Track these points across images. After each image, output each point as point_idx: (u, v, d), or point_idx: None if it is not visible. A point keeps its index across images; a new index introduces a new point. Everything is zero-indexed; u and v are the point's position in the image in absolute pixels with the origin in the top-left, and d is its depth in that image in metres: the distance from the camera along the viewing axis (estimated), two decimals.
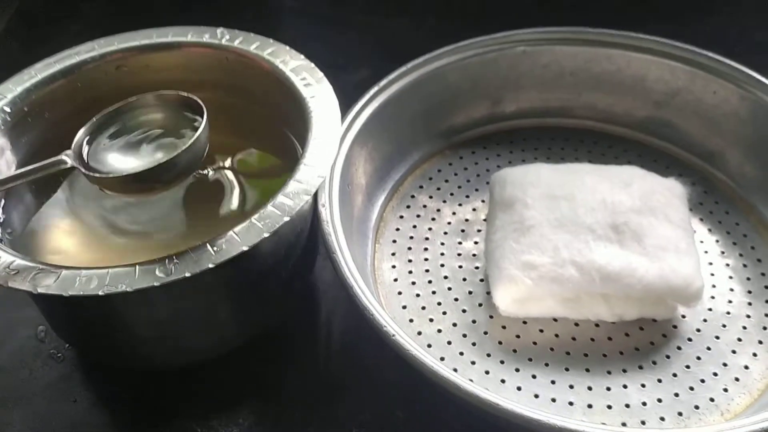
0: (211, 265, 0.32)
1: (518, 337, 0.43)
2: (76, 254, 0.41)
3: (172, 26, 0.46)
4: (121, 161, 0.38)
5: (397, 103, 0.50)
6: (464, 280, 0.46)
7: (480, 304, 0.45)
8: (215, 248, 0.33)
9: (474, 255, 0.48)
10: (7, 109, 0.41)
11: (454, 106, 0.54)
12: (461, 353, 0.42)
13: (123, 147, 0.38)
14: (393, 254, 0.48)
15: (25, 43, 0.66)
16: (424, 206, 0.51)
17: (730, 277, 0.46)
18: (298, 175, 0.36)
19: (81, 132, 0.38)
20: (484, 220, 0.50)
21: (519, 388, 0.40)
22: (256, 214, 0.34)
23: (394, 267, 0.47)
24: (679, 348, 0.42)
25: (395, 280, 0.46)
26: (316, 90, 0.42)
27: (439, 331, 0.44)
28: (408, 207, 0.51)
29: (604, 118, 0.55)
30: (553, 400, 0.40)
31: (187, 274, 0.32)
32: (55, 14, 0.69)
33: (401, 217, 0.50)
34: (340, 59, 0.64)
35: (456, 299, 0.45)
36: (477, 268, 0.47)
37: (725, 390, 0.40)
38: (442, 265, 0.47)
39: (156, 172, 0.36)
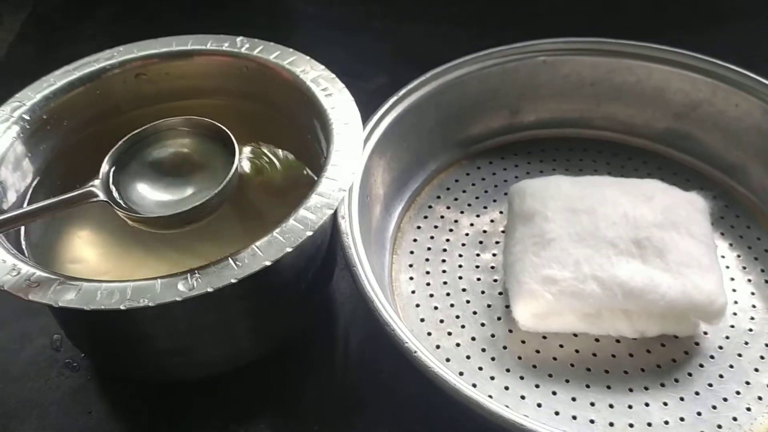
0: (233, 280, 0.32)
1: (538, 352, 0.43)
2: (96, 264, 0.41)
3: (191, 34, 0.45)
4: (150, 193, 0.37)
5: (417, 112, 0.50)
6: (483, 293, 0.46)
7: (499, 318, 0.44)
8: (238, 262, 0.33)
9: (492, 267, 0.47)
10: (27, 117, 0.41)
11: (473, 115, 0.53)
12: (480, 368, 0.42)
13: (151, 176, 0.37)
14: (410, 266, 0.47)
15: (39, 46, 0.66)
16: (442, 217, 0.50)
17: (752, 293, 0.45)
18: (319, 189, 0.36)
19: (107, 159, 0.37)
20: (503, 231, 0.49)
21: (539, 405, 0.40)
22: (278, 228, 0.34)
23: (411, 279, 0.47)
24: (701, 365, 0.42)
25: (413, 292, 0.46)
26: (337, 100, 0.41)
27: (458, 345, 0.43)
28: (425, 218, 0.50)
29: (623, 129, 0.55)
30: (574, 417, 0.40)
31: (210, 289, 0.32)
32: (68, 18, 0.69)
33: (419, 227, 0.50)
34: (356, 66, 0.64)
35: (474, 312, 0.45)
36: (495, 280, 0.46)
37: (748, 409, 0.40)
38: (460, 278, 0.47)
39: (188, 215, 0.35)
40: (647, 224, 0.44)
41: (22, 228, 0.39)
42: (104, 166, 0.36)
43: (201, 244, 0.42)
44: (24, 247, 0.39)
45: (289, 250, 0.33)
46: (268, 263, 0.33)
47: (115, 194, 0.36)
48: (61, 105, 0.43)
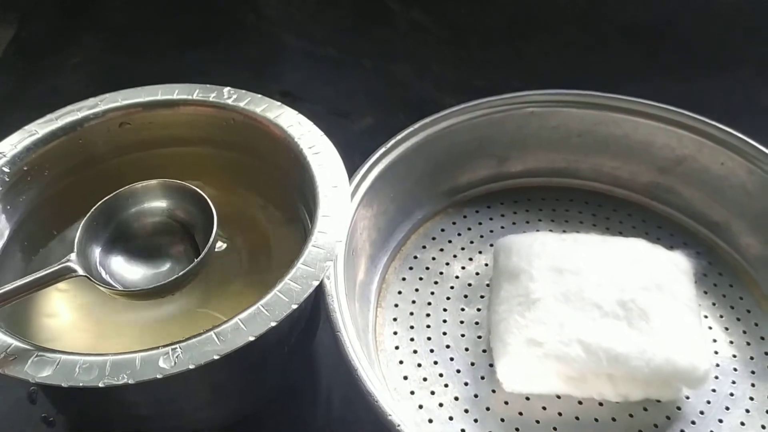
0: (216, 357, 0.31)
1: (521, 414, 0.42)
2: (73, 319, 0.40)
3: (177, 83, 0.45)
4: (126, 262, 0.37)
5: (404, 162, 0.50)
6: (467, 350, 0.46)
7: (482, 377, 0.44)
8: (221, 337, 0.32)
9: (477, 323, 0.47)
10: (6, 169, 0.40)
11: (460, 164, 0.53)
12: (463, 430, 0.42)
13: (127, 243, 0.37)
14: (395, 319, 0.47)
15: (21, 75, 0.65)
16: (427, 268, 0.50)
17: (734, 356, 0.45)
18: (305, 258, 0.35)
19: (81, 228, 0.36)
20: (488, 285, 0.49)
21: None
22: (263, 300, 0.34)
23: (395, 333, 0.46)
24: (682, 431, 0.42)
25: (396, 347, 0.46)
26: (324, 159, 0.41)
27: (441, 405, 0.43)
28: (410, 269, 0.50)
29: (609, 180, 0.55)
30: None
31: (191, 366, 0.31)
32: (53, 45, 0.68)
33: (403, 279, 0.49)
34: (344, 105, 0.64)
35: (458, 371, 0.44)
36: (479, 337, 0.46)
37: None
38: (444, 333, 0.46)
39: (165, 287, 0.35)
40: (632, 286, 0.44)
41: None
42: (78, 236, 0.36)
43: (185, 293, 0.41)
44: None
45: (273, 324, 0.33)
46: (251, 338, 0.32)
47: (93, 265, 0.35)
48: (43, 155, 0.42)
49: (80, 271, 0.34)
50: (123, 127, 0.44)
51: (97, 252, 0.36)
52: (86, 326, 0.40)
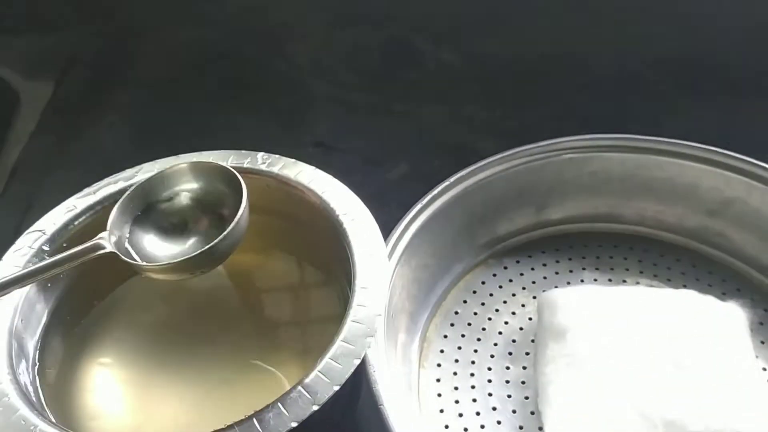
0: None
1: None
2: (117, 394, 0.40)
3: (212, 150, 0.44)
4: (157, 244, 0.38)
5: (442, 217, 0.49)
6: (514, 412, 0.44)
7: None
8: (262, 424, 0.31)
9: (523, 383, 0.45)
10: (46, 248, 0.40)
11: (498, 214, 0.52)
12: None
13: (159, 227, 0.38)
14: (438, 380, 0.46)
15: (60, 136, 0.65)
16: (469, 324, 0.49)
17: None
18: (345, 334, 0.35)
19: (115, 211, 0.37)
20: (532, 340, 0.48)
21: None
22: (305, 380, 0.33)
23: (439, 395, 0.45)
24: None
25: (441, 411, 0.44)
26: (361, 226, 0.40)
27: None
28: (452, 325, 0.49)
29: (654, 224, 0.53)
30: None
31: None
32: (88, 104, 0.69)
33: (445, 336, 0.48)
34: (377, 153, 0.63)
35: None
36: (527, 398, 0.45)
37: None
38: (490, 395, 0.45)
39: (196, 260, 0.36)
40: (686, 343, 0.42)
41: (38, 364, 0.39)
42: (111, 218, 0.37)
43: (219, 355, 0.42)
44: (42, 383, 0.38)
45: (315, 408, 0.32)
46: (294, 425, 0.31)
47: (124, 245, 0.36)
48: (82, 230, 0.42)
49: (108, 248, 0.35)
50: None
51: (129, 233, 0.37)
52: (130, 401, 0.40)
